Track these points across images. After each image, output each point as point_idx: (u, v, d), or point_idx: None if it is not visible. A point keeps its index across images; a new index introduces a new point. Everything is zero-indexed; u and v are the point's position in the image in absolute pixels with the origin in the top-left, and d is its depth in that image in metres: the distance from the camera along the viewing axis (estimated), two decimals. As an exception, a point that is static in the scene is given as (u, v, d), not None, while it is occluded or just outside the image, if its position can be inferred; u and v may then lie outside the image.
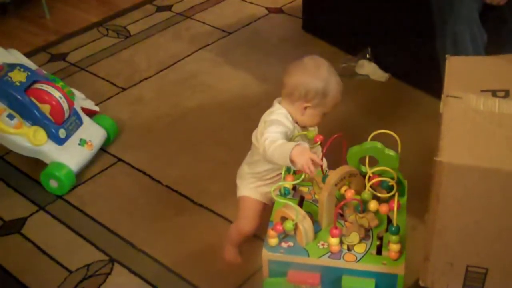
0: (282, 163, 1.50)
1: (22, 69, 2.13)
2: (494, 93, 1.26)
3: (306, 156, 1.43)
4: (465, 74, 1.34)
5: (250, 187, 1.69)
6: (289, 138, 1.58)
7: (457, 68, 1.35)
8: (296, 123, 1.62)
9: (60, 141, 2.12)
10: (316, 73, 1.57)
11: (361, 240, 1.40)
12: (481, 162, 1.13)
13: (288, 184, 1.53)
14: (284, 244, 1.41)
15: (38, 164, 2.12)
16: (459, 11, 1.94)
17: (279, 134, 1.53)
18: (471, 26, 1.94)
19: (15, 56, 2.33)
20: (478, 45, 1.95)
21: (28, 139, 2.07)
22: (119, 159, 2.25)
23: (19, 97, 2.06)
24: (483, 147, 1.16)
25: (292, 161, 1.45)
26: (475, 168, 1.13)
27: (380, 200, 1.45)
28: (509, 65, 1.37)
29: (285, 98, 1.61)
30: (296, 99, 1.58)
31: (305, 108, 1.58)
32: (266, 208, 1.68)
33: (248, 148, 1.72)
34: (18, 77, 2.10)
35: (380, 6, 2.50)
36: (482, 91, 1.27)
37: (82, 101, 2.34)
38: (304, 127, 1.64)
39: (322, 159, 1.53)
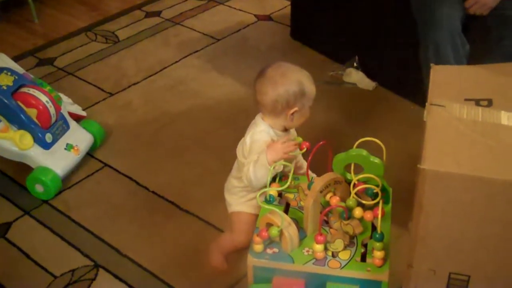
0: (265, 161, 1.53)
1: (9, 73, 2.12)
2: (477, 102, 1.28)
3: (278, 146, 1.53)
4: (449, 83, 1.35)
5: (241, 201, 1.68)
6: None
7: (441, 77, 1.37)
8: (285, 130, 1.65)
9: (46, 146, 2.11)
10: (286, 81, 1.59)
11: (345, 247, 1.41)
12: (464, 170, 1.14)
13: (274, 190, 1.54)
14: (269, 251, 1.41)
15: (24, 168, 2.12)
16: (441, 21, 1.96)
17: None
18: (453, 36, 1.96)
19: (2, 60, 2.32)
20: (460, 55, 1.97)
21: (14, 143, 2.06)
22: (106, 164, 2.25)
23: (5, 101, 2.06)
24: (466, 155, 1.17)
25: (273, 161, 1.52)
26: (458, 175, 1.14)
27: (365, 207, 1.46)
28: (492, 75, 1.38)
29: (268, 114, 1.62)
30: (280, 111, 1.60)
31: (293, 114, 1.60)
32: None
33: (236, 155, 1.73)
34: (5, 81, 2.09)
35: (368, 16, 2.52)
36: (466, 100, 1.29)
37: (69, 105, 2.34)
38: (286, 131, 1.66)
39: (308, 168, 1.55)
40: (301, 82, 1.59)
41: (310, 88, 1.61)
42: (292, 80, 1.59)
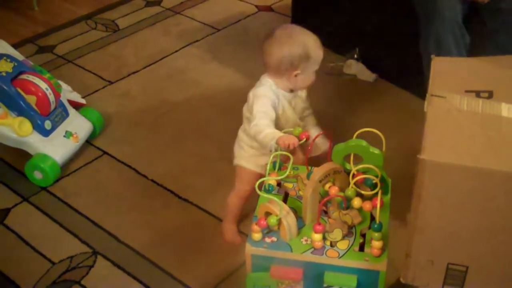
0: (268, 142, 1.57)
1: (8, 60, 2.12)
2: (478, 94, 1.28)
3: (291, 136, 1.56)
4: (450, 75, 1.35)
5: (245, 155, 1.73)
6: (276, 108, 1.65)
7: (442, 69, 1.37)
8: (291, 91, 1.68)
9: (45, 133, 2.11)
10: (292, 42, 1.63)
11: (344, 237, 1.41)
12: (463, 161, 1.14)
13: (273, 180, 1.54)
14: (267, 239, 1.42)
15: (23, 155, 2.11)
16: (442, 13, 1.96)
17: (266, 117, 1.60)
18: (454, 28, 1.96)
19: (2, 46, 2.32)
20: (461, 47, 1.98)
21: (14, 129, 2.06)
22: (105, 152, 2.25)
23: (5, 87, 2.05)
24: (466, 146, 1.17)
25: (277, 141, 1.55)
26: (457, 166, 1.14)
27: (363, 198, 1.46)
28: (493, 67, 1.38)
29: (273, 74, 1.66)
30: (284, 72, 1.64)
31: (296, 75, 1.64)
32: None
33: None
34: (4, 67, 2.09)
35: (369, 7, 2.51)
36: (466, 91, 1.29)
37: (68, 93, 2.33)
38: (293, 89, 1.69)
39: (307, 158, 1.55)
40: (307, 45, 1.63)
41: (316, 52, 1.64)
42: (298, 42, 1.63)
